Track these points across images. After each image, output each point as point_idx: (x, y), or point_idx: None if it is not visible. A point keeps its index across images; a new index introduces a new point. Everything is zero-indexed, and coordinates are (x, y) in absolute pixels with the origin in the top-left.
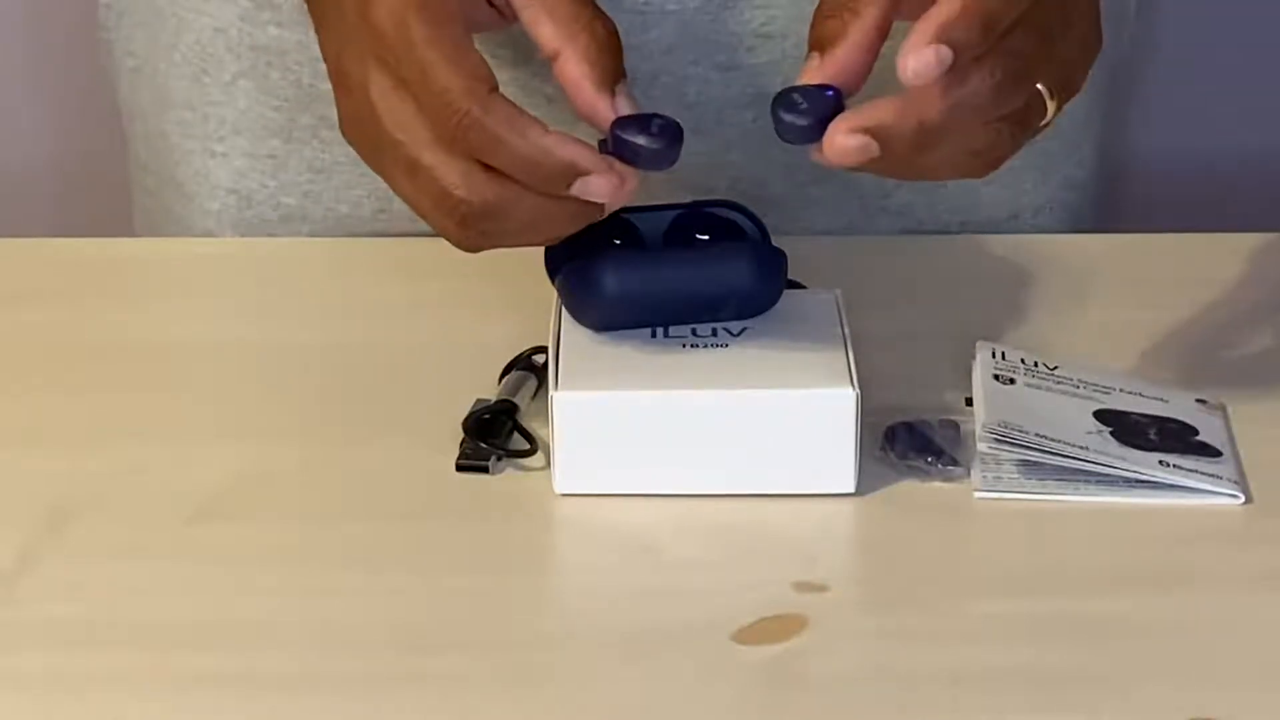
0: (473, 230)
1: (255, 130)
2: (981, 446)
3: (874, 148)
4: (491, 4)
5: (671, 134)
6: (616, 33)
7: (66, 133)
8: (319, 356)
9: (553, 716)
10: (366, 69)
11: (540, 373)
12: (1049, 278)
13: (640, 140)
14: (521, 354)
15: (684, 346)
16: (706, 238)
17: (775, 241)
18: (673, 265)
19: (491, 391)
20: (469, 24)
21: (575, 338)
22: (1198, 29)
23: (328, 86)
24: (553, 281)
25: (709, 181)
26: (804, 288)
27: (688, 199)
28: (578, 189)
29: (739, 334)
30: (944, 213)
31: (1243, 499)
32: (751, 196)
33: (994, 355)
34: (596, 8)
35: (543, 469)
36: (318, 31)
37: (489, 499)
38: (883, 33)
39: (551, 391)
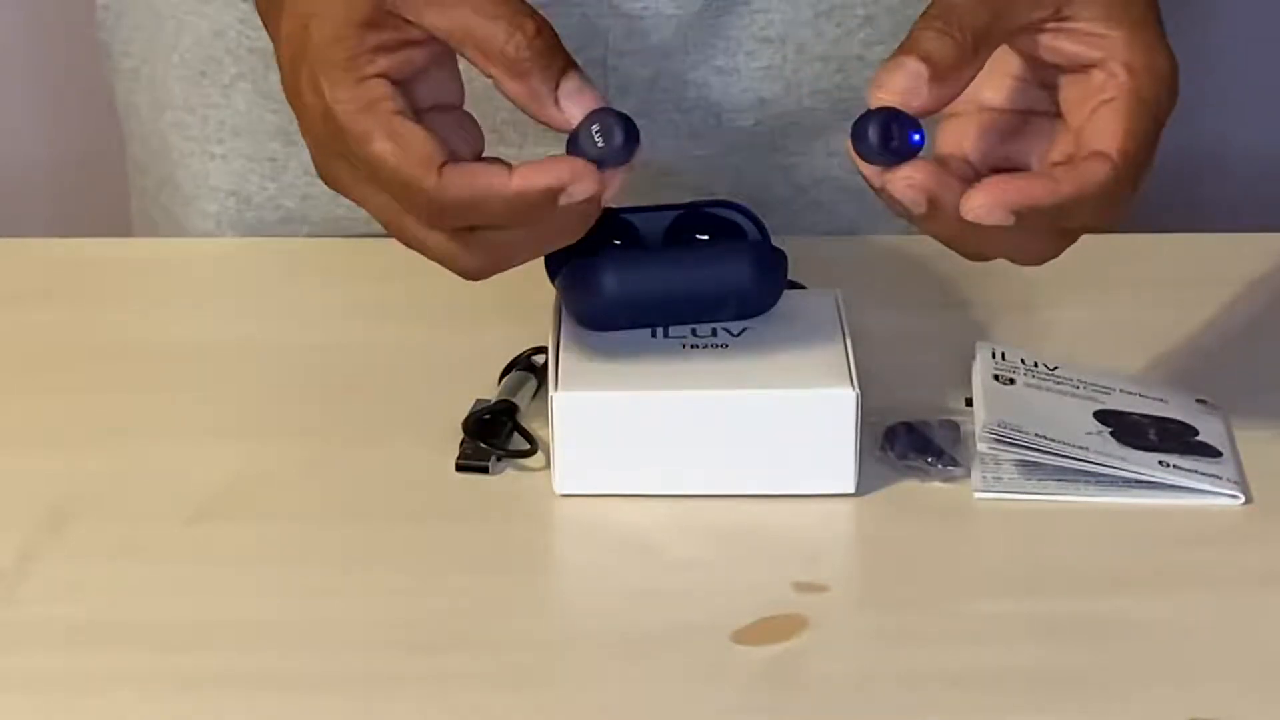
0: (484, 275)
1: (254, 132)
2: (981, 446)
3: (923, 203)
4: (411, 42)
5: (616, 134)
6: (541, 28)
7: (65, 133)
8: (319, 356)
9: (553, 716)
10: (329, 160)
11: (540, 373)
12: (1049, 278)
13: (589, 153)
14: (521, 354)
15: (684, 346)
16: (706, 238)
17: (775, 242)
18: (673, 265)
19: (491, 391)
20: (400, 89)
21: (575, 338)
22: (1199, 29)
23: None
24: (553, 281)
25: (709, 184)
26: (804, 288)
27: (688, 199)
28: (564, 202)
29: (739, 334)
30: None
31: (1243, 499)
32: (751, 199)
33: (994, 355)
34: (513, 11)
35: (543, 469)
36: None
37: (489, 499)
38: (969, 81)
39: (551, 392)
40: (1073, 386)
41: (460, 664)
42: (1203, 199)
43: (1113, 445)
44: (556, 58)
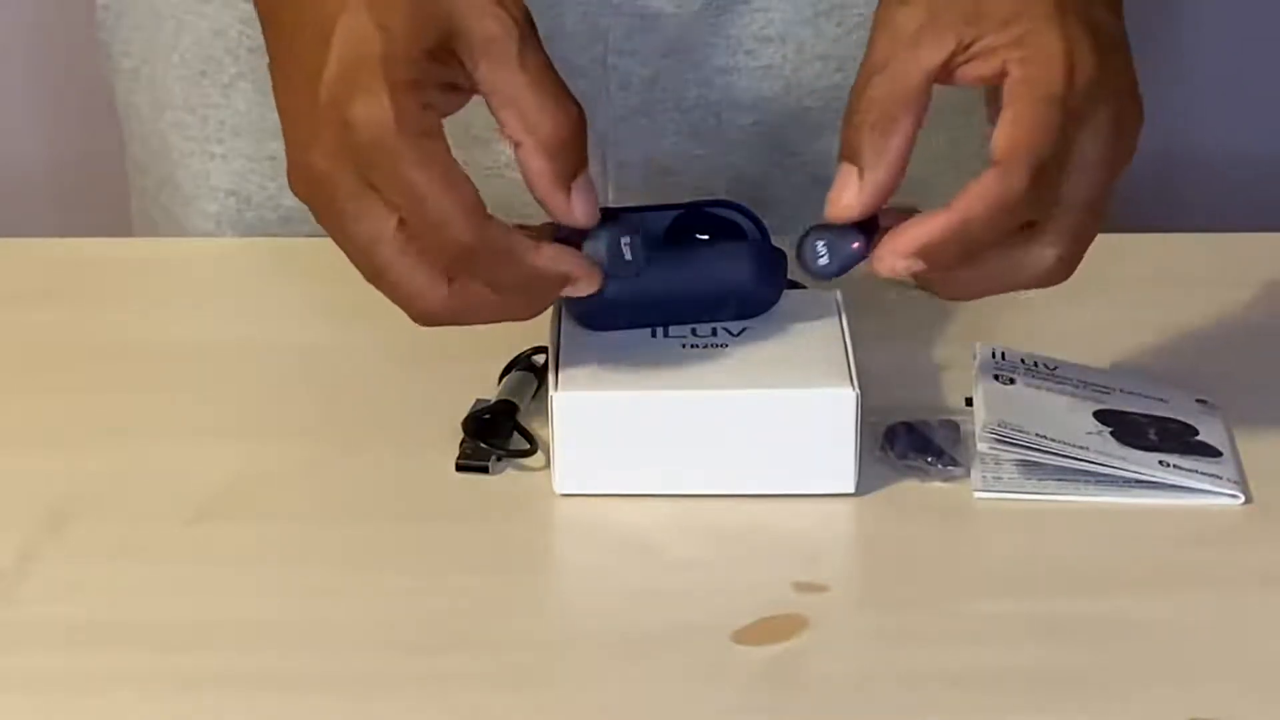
0: (440, 324)
1: (254, 132)
2: (981, 446)
3: (919, 264)
4: (456, 87)
5: (641, 256)
6: (581, 118)
7: (65, 133)
8: (319, 357)
9: (553, 716)
10: (336, 167)
11: (540, 373)
12: None
13: (608, 257)
14: (521, 354)
15: (684, 346)
16: (706, 238)
17: (775, 242)
18: (673, 265)
19: (491, 391)
20: (443, 132)
21: (575, 338)
22: (1199, 30)
23: None
24: None
25: (708, 184)
26: (804, 288)
27: (688, 199)
28: (565, 292)
29: (739, 334)
30: None
31: (1243, 499)
32: (751, 198)
33: (994, 355)
34: (562, 93)
35: (543, 469)
36: (276, 87)
37: (489, 499)
38: (912, 144)
39: (551, 391)
40: (1073, 386)
41: (460, 664)
42: (1204, 199)
43: (1113, 445)
44: (583, 149)
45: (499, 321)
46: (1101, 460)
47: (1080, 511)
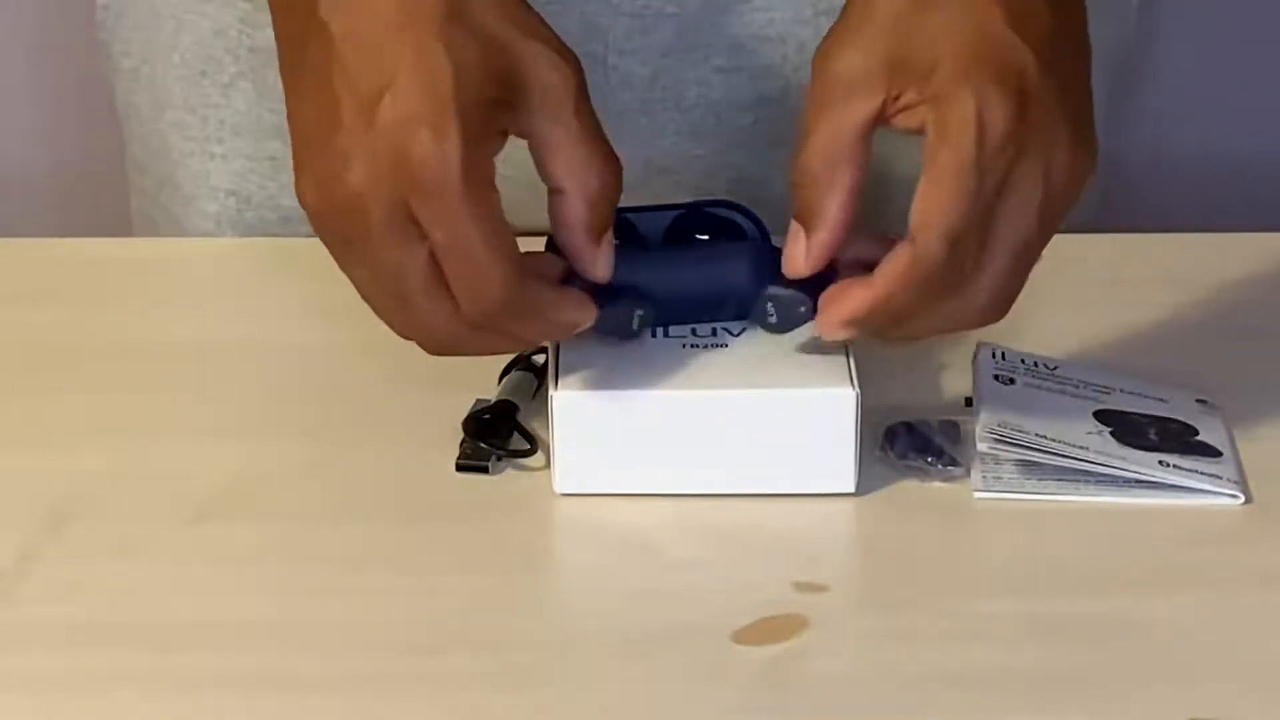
0: (440, 354)
1: (254, 132)
2: (981, 446)
3: (854, 332)
4: (505, 131)
5: (648, 332)
6: (620, 173)
7: (65, 133)
8: (319, 356)
9: (553, 716)
10: (374, 191)
11: (540, 373)
12: (1049, 278)
13: (616, 324)
14: (521, 354)
15: (684, 346)
16: (706, 238)
17: (775, 242)
18: (672, 265)
19: (491, 391)
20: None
21: (575, 338)
22: (1198, 29)
23: None
24: None
25: (709, 183)
26: None
27: (688, 200)
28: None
29: (739, 334)
30: None
31: (1243, 499)
32: (751, 198)
33: (994, 355)
34: (608, 148)
35: (543, 469)
36: (299, 89)
37: (489, 499)
38: (859, 193)
39: (551, 391)
40: (1073, 386)
41: (460, 664)
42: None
43: (1113, 445)
44: (615, 206)
45: (507, 353)
46: (1101, 460)
47: (1080, 511)
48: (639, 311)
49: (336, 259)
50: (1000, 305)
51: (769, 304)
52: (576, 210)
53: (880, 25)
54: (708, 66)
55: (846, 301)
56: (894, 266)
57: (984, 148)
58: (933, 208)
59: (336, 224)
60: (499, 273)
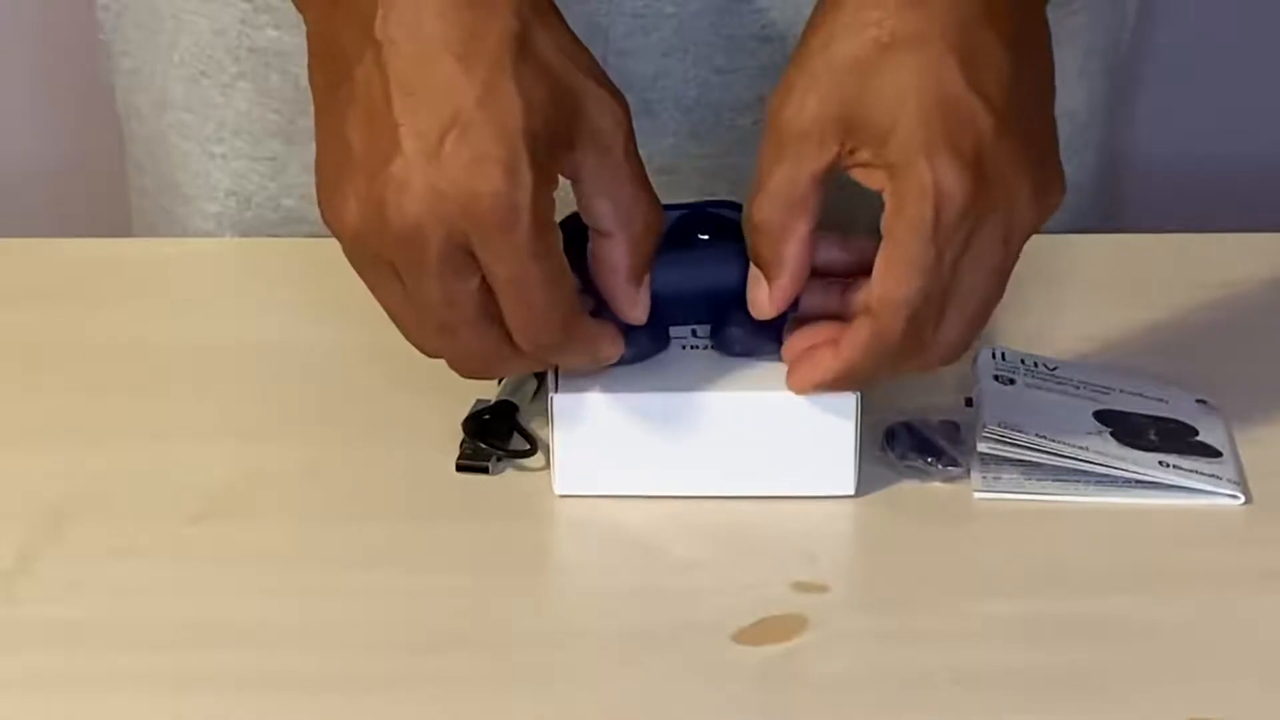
0: (474, 378)
1: (255, 132)
2: (981, 447)
3: (824, 391)
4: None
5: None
6: (663, 218)
7: (65, 133)
8: (319, 357)
9: (553, 716)
10: (432, 221)
11: (540, 373)
12: (1049, 278)
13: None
14: None
15: (684, 347)
16: (707, 238)
17: None
18: (673, 265)
19: (491, 391)
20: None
21: None
22: (1197, 30)
23: None
24: None
25: (709, 184)
26: None
27: (688, 198)
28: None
29: None
30: None
31: (1243, 499)
32: None
33: (994, 356)
34: (652, 193)
35: (543, 469)
36: (325, 110)
37: (489, 499)
38: (814, 238)
39: (551, 392)
40: (1073, 386)
41: (460, 664)
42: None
43: (1113, 445)
44: (656, 250)
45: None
46: (1101, 460)
47: (1080, 511)
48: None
49: (368, 280)
50: (958, 352)
51: (736, 330)
52: (620, 254)
53: (835, 75)
54: (708, 67)
55: (814, 369)
56: (856, 338)
57: (941, 222)
58: (891, 283)
59: (384, 249)
60: (559, 313)
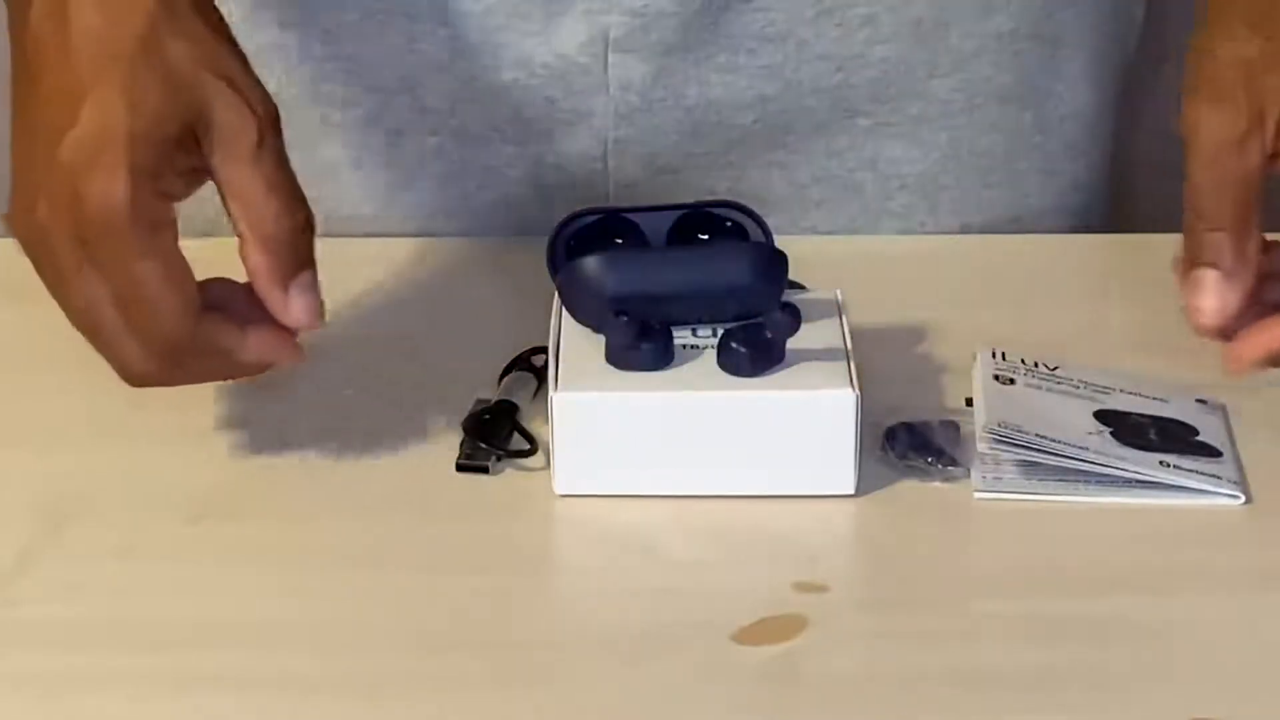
0: (140, 386)
1: None
2: (981, 446)
3: (1266, 365)
4: (195, 170)
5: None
6: (308, 223)
7: None
8: (319, 356)
9: (553, 716)
10: (58, 225)
11: (540, 373)
12: (1050, 278)
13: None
14: (521, 354)
15: (684, 347)
16: (707, 238)
17: (777, 242)
18: (673, 265)
19: (491, 391)
20: (173, 221)
21: (575, 338)
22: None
23: (329, 87)
24: (553, 281)
25: (708, 183)
26: (804, 288)
27: (688, 197)
28: (271, 369)
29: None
30: (946, 215)
31: (1243, 499)
32: (753, 198)
33: (994, 356)
34: (291, 196)
35: (543, 469)
36: (14, 124)
37: (489, 499)
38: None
39: (551, 392)
40: (1073, 386)
41: (460, 664)
42: None
43: (1113, 445)
44: (305, 252)
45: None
46: (1101, 461)
47: (1080, 511)
48: (647, 345)
49: (49, 290)
50: None
51: (733, 343)
52: (254, 257)
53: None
54: (709, 65)
55: (1266, 335)
56: None
57: None
58: None
59: (33, 253)
60: (169, 310)
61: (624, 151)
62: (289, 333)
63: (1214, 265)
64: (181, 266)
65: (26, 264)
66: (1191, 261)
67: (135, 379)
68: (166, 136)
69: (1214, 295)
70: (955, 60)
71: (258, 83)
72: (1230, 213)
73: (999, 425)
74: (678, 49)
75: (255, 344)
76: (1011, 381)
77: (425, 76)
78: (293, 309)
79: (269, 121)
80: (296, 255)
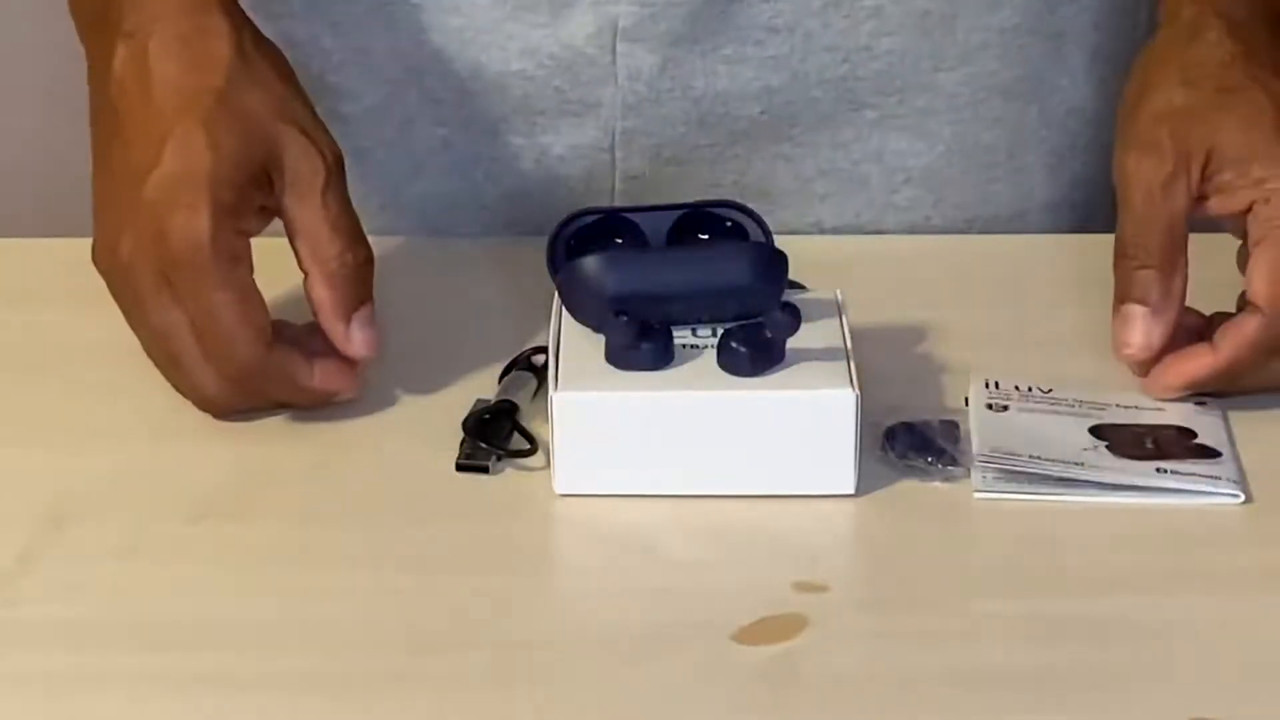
0: (211, 412)
1: None
2: (975, 478)
3: (1185, 392)
4: (266, 208)
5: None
6: (369, 260)
7: (66, 133)
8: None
9: (552, 716)
10: (141, 260)
11: (540, 373)
12: (1052, 277)
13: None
14: (521, 354)
15: (684, 347)
16: (707, 237)
17: (780, 239)
18: (673, 265)
19: (491, 391)
20: (249, 255)
21: (575, 338)
22: None
23: (338, 79)
24: (553, 280)
25: (714, 175)
26: (804, 288)
27: (692, 193)
28: (333, 400)
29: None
30: (951, 209)
31: (1243, 499)
32: (757, 191)
33: (987, 385)
34: (355, 237)
35: (543, 469)
36: (97, 163)
37: (489, 499)
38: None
39: (551, 392)
40: (1068, 406)
41: (460, 664)
42: None
43: (1109, 458)
44: (365, 287)
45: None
46: (1097, 478)
47: (1080, 511)
48: (647, 345)
49: (128, 321)
50: None
51: (733, 343)
52: (318, 291)
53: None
54: (716, 57)
55: (1189, 363)
56: (1241, 337)
57: None
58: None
59: (115, 286)
60: (244, 339)
61: (631, 142)
62: (351, 364)
63: (1141, 301)
64: (256, 299)
65: (27, 264)
66: (1121, 298)
67: (208, 404)
68: (244, 177)
69: (1140, 331)
70: (961, 54)
71: (324, 127)
72: (1158, 252)
73: (991, 451)
74: (686, 40)
75: (321, 374)
76: (1005, 409)
77: (433, 68)
78: (354, 341)
79: (335, 164)
80: (358, 290)
